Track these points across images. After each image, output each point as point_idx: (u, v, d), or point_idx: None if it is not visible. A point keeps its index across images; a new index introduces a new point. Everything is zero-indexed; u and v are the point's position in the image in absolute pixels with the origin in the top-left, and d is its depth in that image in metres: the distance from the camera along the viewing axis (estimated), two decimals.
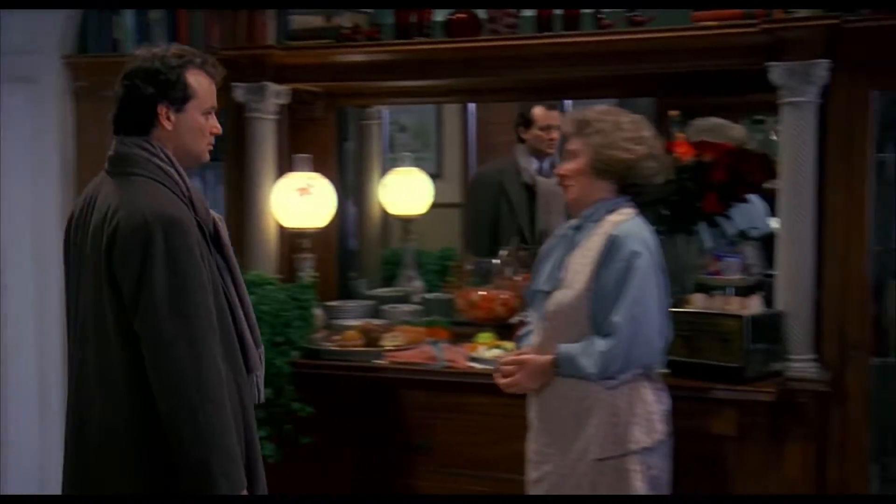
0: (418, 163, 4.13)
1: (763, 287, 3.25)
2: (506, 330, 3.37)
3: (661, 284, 2.60)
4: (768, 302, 3.07)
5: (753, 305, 2.93)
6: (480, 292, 3.53)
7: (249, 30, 3.63)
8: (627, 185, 2.66)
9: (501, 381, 2.71)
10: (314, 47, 3.51)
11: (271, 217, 3.59)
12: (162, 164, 2.39)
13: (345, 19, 3.51)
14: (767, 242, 3.33)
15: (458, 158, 4.66)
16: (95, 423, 2.35)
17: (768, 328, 2.94)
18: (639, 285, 2.52)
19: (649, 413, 2.57)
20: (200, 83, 2.43)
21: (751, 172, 3.33)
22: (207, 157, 2.48)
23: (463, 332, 3.43)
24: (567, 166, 2.70)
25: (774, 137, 3.88)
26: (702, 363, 2.93)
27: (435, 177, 4.28)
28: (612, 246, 2.57)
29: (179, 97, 2.39)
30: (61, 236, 2.43)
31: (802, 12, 2.97)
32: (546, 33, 3.28)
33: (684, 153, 3.33)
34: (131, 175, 2.37)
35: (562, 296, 2.62)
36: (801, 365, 2.99)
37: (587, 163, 2.65)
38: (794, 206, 2.98)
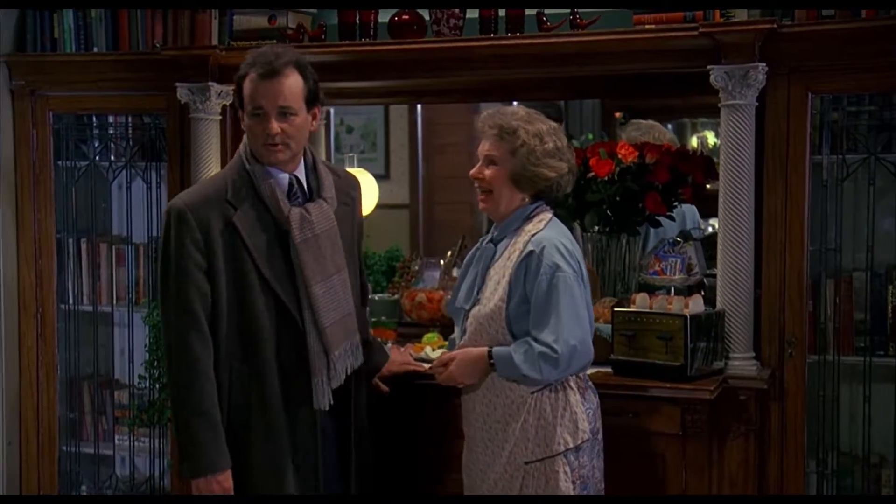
0: (366, 163, 4.12)
1: (704, 286, 3.30)
2: (452, 330, 3.36)
3: (583, 288, 2.59)
4: (709, 301, 3.11)
5: (695, 305, 2.96)
6: (426, 293, 3.53)
7: (192, 30, 3.60)
8: (541, 194, 2.66)
9: (439, 376, 2.72)
10: (258, 47, 3.48)
11: None
12: (245, 160, 2.59)
13: (289, 19, 3.49)
14: (708, 242, 3.38)
15: (405, 159, 4.66)
16: None
17: (709, 327, 2.98)
18: (566, 302, 2.51)
19: (574, 414, 2.59)
20: (249, 86, 2.56)
21: (692, 173, 3.38)
22: (270, 157, 2.57)
23: (409, 332, 3.42)
24: (488, 172, 2.64)
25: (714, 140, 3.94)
26: (644, 362, 2.96)
27: (383, 178, 4.27)
28: (530, 260, 2.55)
29: (240, 103, 2.60)
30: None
31: (740, 16, 3.02)
32: (489, 35, 3.29)
33: (627, 154, 3.36)
34: (224, 168, 2.71)
35: (479, 311, 2.63)
36: (741, 363, 3.04)
37: (508, 174, 2.62)
38: (733, 207, 3.02)
